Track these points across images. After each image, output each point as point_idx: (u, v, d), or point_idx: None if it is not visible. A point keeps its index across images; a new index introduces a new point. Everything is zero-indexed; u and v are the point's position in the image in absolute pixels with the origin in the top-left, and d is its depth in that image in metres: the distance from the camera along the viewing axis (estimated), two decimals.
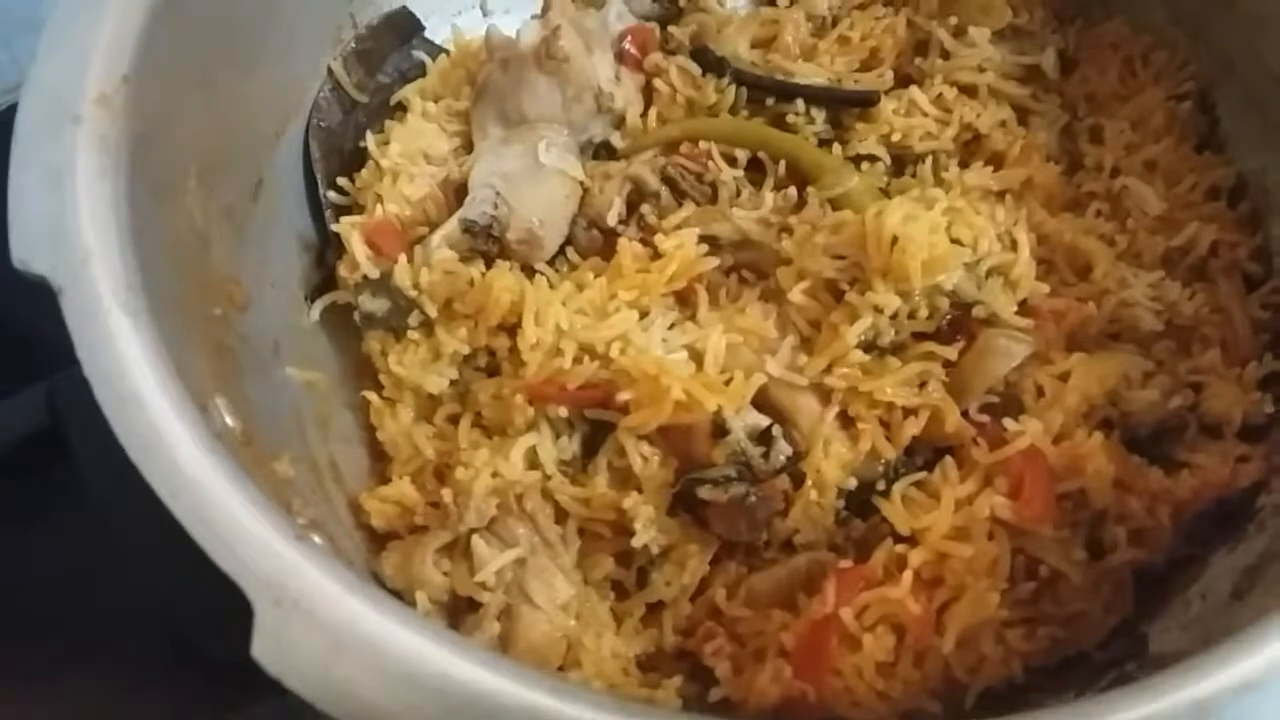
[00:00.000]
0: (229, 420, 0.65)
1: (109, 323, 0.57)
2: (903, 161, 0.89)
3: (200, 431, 0.56)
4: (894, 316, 0.76)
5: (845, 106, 0.90)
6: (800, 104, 0.90)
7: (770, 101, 0.92)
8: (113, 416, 0.55)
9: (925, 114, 0.87)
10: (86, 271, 0.59)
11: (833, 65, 0.92)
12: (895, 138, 0.88)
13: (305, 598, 0.50)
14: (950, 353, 0.76)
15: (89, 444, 0.56)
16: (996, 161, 0.87)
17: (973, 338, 0.77)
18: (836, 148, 0.90)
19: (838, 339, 0.76)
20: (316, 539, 0.61)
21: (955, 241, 0.77)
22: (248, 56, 0.83)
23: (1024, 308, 0.78)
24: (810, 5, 0.95)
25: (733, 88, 0.92)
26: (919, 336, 0.77)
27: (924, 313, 0.76)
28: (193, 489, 0.53)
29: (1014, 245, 0.79)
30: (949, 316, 0.77)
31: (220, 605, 0.51)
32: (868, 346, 0.77)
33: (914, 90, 0.89)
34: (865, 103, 0.90)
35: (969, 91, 0.88)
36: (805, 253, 0.80)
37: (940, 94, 0.88)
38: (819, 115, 0.90)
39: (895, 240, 0.75)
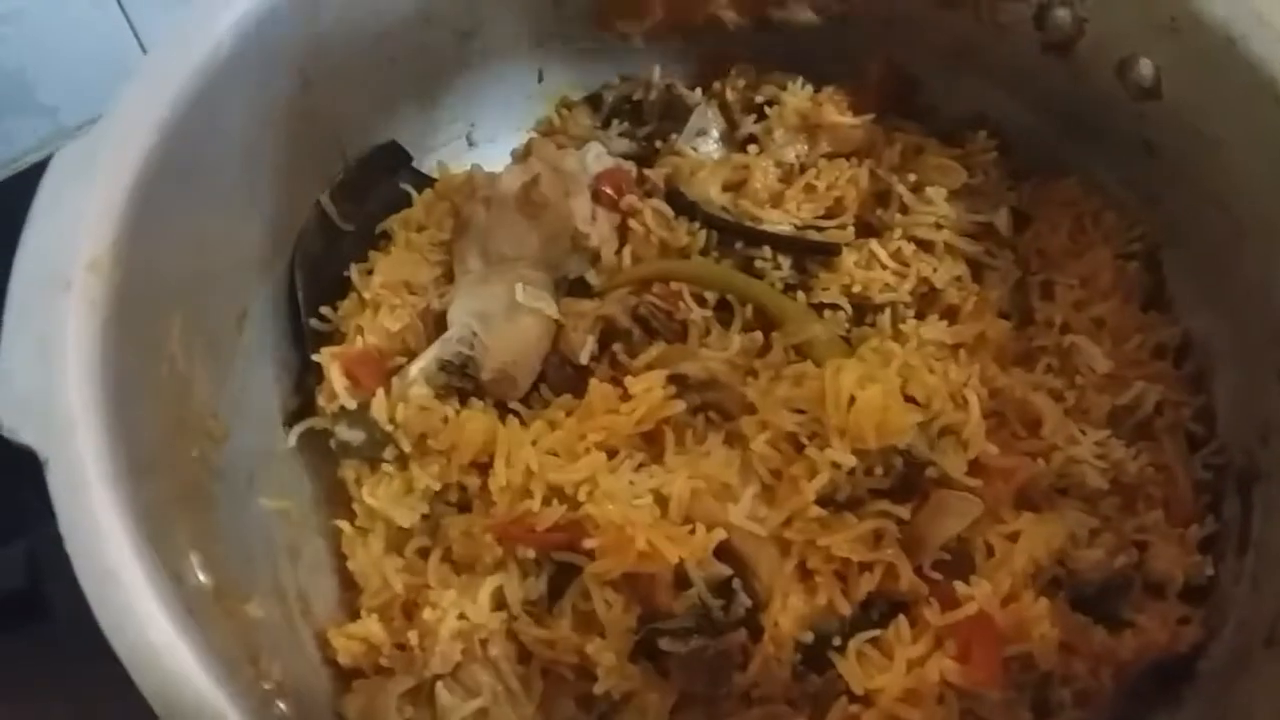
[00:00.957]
0: (202, 578, 0.67)
1: (91, 496, 0.60)
2: (863, 310, 0.92)
3: (174, 607, 0.58)
4: (851, 473, 0.79)
5: (809, 254, 0.94)
6: (767, 250, 0.94)
7: (739, 245, 0.95)
8: (90, 592, 0.57)
9: (885, 267, 0.91)
10: (72, 442, 0.61)
11: (799, 212, 0.96)
12: (856, 289, 0.91)
13: None
14: (903, 512, 0.79)
15: (70, 604, 0.57)
16: (951, 315, 0.91)
17: (926, 496, 0.80)
18: (801, 295, 0.93)
19: (797, 493, 0.79)
20: (282, 706, 0.62)
21: (910, 400, 0.81)
22: (238, 201, 0.86)
23: (975, 465, 0.81)
24: (779, 154, 0.99)
25: (703, 231, 0.96)
26: (875, 493, 0.80)
27: (879, 471, 0.79)
28: (162, 671, 0.55)
29: (965, 404, 0.82)
30: (903, 474, 0.80)
31: None
32: (825, 501, 0.79)
33: (874, 244, 0.92)
34: (828, 252, 0.93)
35: (926, 246, 0.92)
36: (767, 405, 0.83)
37: (899, 248, 0.92)
38: (785, 261, 0.94)
39: (852, 400, 0.79)
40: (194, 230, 0.79)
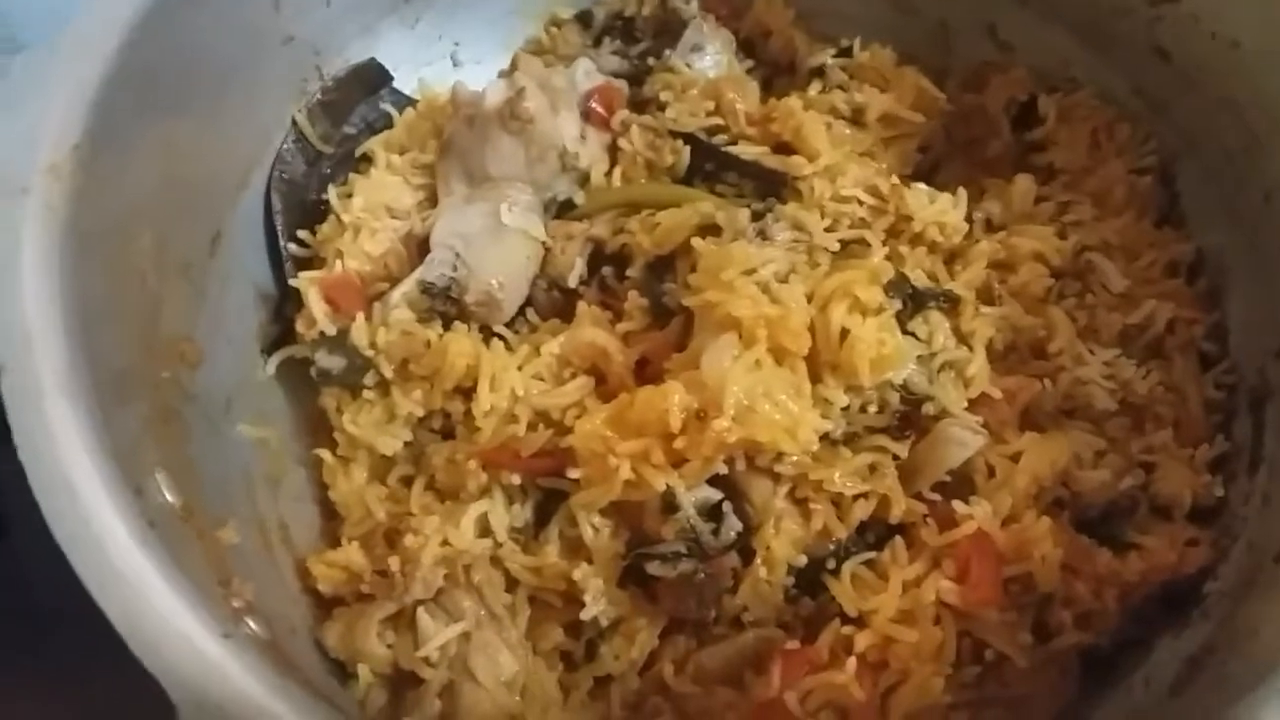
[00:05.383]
0: (169, 496, 0.64)
1: (46, 407, 0.57)
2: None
3: (134, 520, 0.56)
4: (845, 409, 0.75)
5: (764, 181, 0.88)
6: (733, 175, 0.89)
7: (709, 166, 0.90)
8: (46, 505, 0.54)
9: (862, 203, 0.84)
10: (28, 353, 0.58)
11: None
12: (826, 222, 0.84)
13: (228, 702, 0.49)
14: (901, 449, 0.75)
15: (29, 522, 0.55)
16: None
17: (924, 432, 0.76)
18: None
19: None
20: (251, 624, 0.60)
21: (909, 334, 0.77)
22: (209, 112, 0.82)
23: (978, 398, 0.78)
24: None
25: (687, 150, 0.91)
26: (872, 430, 0.77)
27: (874, 408, 0.76)
28: (121, 583, 0.53)
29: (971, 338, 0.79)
30: (900, 411, 0.76)
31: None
32: (820, 436, 0.75)
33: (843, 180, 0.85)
34: (779, 181, 0.87)
35: None
36: None
37: (877, 185, 0.84)
38: (746, 186, 0.89)
39: (845, 334, 0.74)
40: (161, 140, 0.76)
